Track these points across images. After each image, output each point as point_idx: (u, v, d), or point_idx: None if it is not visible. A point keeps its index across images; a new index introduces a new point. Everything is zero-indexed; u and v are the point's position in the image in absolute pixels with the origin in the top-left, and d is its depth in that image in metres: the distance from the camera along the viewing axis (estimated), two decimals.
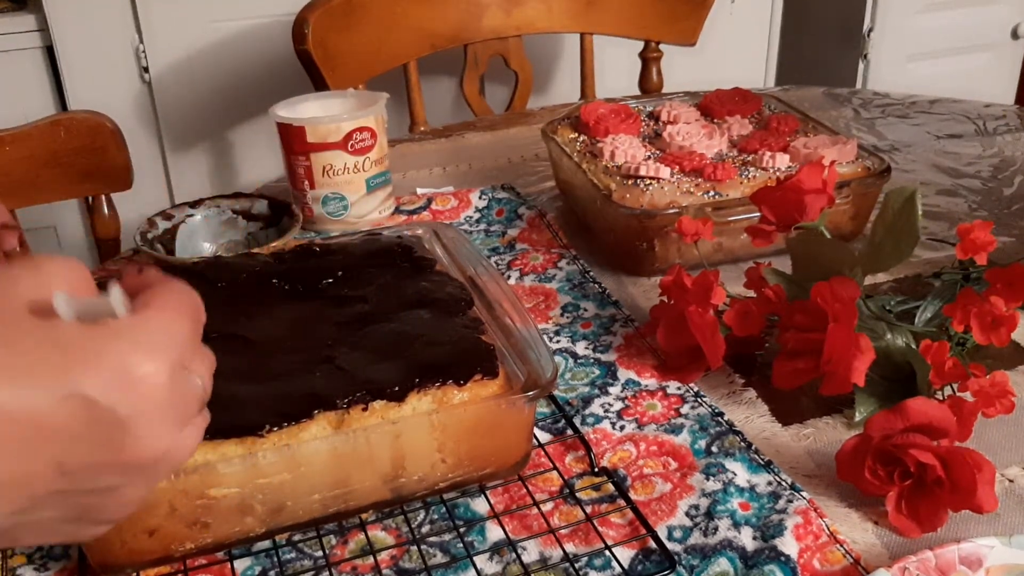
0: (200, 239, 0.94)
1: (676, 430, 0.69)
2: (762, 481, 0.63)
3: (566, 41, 1.85)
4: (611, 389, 0.73)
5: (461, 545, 0.60)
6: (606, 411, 0.71)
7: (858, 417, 0.68)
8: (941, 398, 0.65)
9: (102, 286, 0.39)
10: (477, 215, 1.02)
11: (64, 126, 1.13)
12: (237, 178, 1.78)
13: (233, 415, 0.54)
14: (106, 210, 1.21)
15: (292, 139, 0.95)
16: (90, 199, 1.20)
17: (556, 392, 0.73)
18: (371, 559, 0.59)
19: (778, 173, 0.90)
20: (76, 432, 0.35)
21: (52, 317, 0.36)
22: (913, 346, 0.69)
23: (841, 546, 0.58)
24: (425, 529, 0.61)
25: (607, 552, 0.58)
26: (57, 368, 0.35)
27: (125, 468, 0.37)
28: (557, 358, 0.77)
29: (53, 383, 0.35)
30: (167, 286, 0.40)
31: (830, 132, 0.98)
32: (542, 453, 0.67)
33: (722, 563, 0.57)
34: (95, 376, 0.35)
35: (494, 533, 0.60)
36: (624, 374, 0.75)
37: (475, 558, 0.58)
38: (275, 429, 0.55)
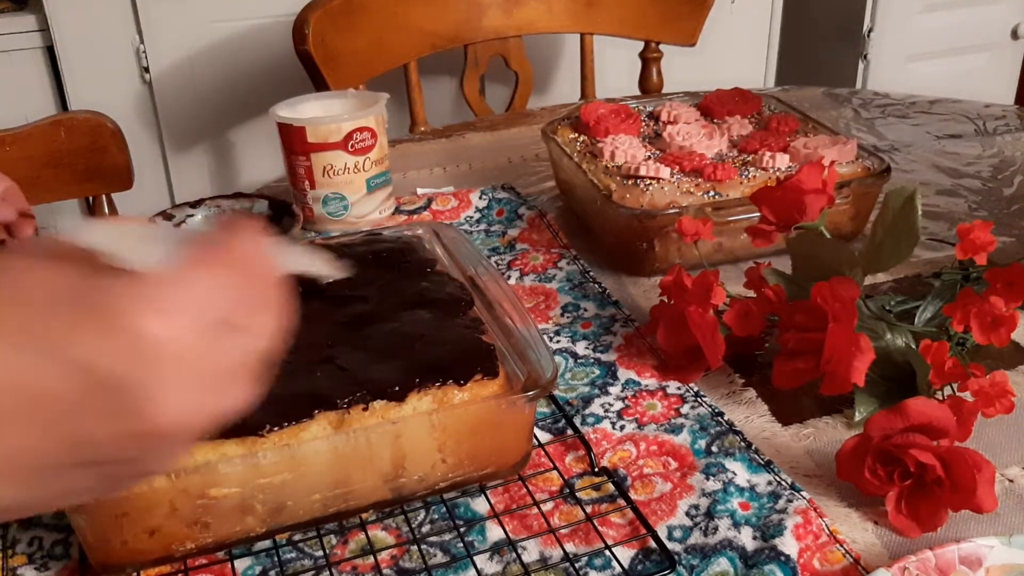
0: None
1: (676, 430, 0.69)
2: (762, 481, 0.63)
3: (566, 41, 1.85)
4: (611, 389, 0.73)
5: (461, 545, 0.60)
6: (606, 411, 0.71)
7: (858, 417, 0.68)
8: (941, 398, 0.65)
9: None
10: (477, 215, 1.02)
11: (65, 126, 1.13)
12: (237, 178, 1.78)
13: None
14: (107, 210, 1.21)
15: (292, 139, 0.95)
16: (91, 199, 1.20)
17: (556, 392, 0.73)
18: (371, 559, 0.59)
19: (778, 173, 0.90)
20: (76, 401, 0.31)
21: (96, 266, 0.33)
22: (913, 346, 0.69)
23: (841, 546, 0.58)
24: (425, 529, 0.61)
25: (607, 552, 0.58)
26: (58, 330, 0.31)
27: (146, 437, 0.33)
28: (557, 358, 0.77)
29: (50, 346, 0.31)
30: (230, 244, 0.36)
31: (830, 132, 0.98)
32: (542, 453, 0.67)
33: (722, 563, 0.57)
34: (96, 339, 0.31)
35: (494, 533, 0.60)
36: (624, 374, 0.75)
37: (475, 558, 0.59)
38: (276, 429, 0.55)
